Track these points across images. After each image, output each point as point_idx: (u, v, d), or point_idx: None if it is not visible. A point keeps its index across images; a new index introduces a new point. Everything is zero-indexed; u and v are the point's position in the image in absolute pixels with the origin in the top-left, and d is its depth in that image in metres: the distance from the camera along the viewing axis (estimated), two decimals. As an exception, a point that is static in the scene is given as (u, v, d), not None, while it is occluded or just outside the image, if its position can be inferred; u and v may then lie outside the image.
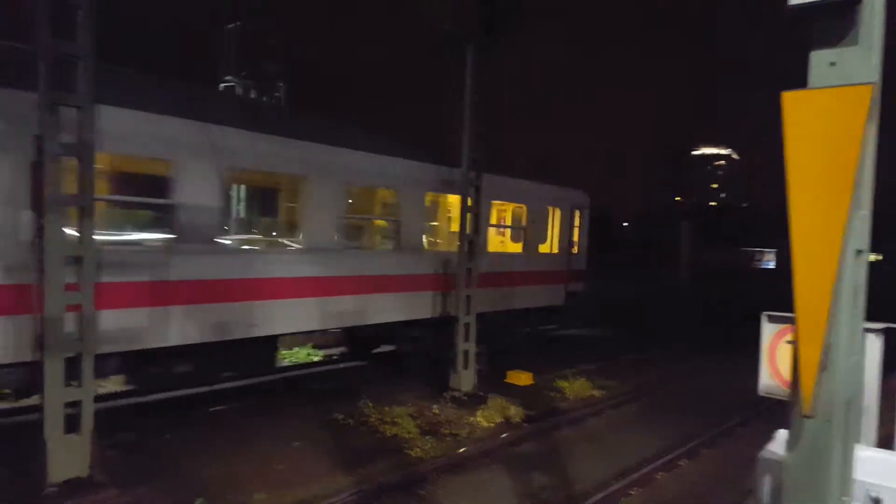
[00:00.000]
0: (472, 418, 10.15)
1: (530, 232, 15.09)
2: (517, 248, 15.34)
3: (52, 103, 6.27)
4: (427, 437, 9.16)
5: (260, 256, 9.94)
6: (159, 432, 8.62)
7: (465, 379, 11.27)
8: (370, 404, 10.02)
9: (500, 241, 15.84)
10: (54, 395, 6.28)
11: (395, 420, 9.56)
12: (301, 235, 10.31)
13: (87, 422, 6.50)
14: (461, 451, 8.87)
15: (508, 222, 15.65)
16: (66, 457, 6.38)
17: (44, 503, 6.16)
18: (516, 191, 14.75)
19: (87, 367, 6.48)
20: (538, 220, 15.41)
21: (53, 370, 6.26)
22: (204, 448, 8.24)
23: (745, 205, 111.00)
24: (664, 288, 35.66)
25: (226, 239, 9.85)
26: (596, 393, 12.43)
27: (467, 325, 11.34)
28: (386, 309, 11.55)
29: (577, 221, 16.95)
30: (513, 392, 11.68)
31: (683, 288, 36.50)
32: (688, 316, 26.10)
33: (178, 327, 8.39)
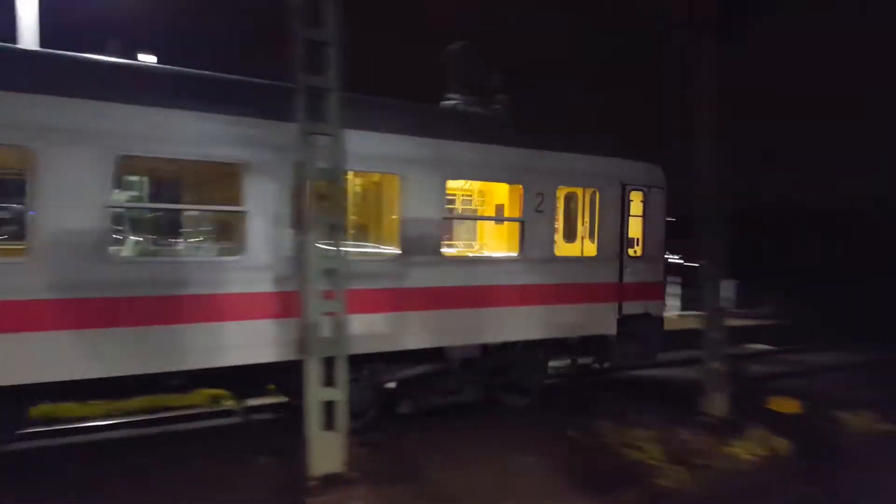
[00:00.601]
0: (727, 448, 8.87)
1: (535, 225, 10.11)
2: (512, 247, 10.61)
3: (309, 132, 6.97)
4: (676, 466, 8.18)
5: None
6: (402, 434, 8.93)
7: (717, 403, 10.00)
8: (609, 424, 9.36)
9: (476, 241, 11.85)
10: (313, 394, 6.82)
11: (638, 444, 8.76)
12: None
13: (342, 420, 6.92)
14: (723, 485, 7.77)
15: (491, 212, 11.49)
16: (324, 453, 6.83)
17: (308, 495, 6.64)
18: (509, 166, 9.96)
19: (341, 368, 6.92)
20: (548, 208, 10.27)
21: (312, 371, 6.80)
22: (443, 453, 8.34)
23: None
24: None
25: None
26: (885, 427, 10.18)
27: (715, 342, 10.13)
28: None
29: (636, 209, 11.48)
30: (774, 421, 10.04)
31: None
32: None
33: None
